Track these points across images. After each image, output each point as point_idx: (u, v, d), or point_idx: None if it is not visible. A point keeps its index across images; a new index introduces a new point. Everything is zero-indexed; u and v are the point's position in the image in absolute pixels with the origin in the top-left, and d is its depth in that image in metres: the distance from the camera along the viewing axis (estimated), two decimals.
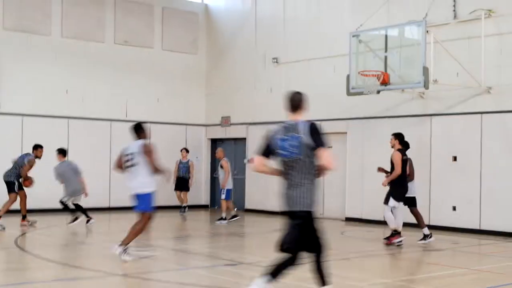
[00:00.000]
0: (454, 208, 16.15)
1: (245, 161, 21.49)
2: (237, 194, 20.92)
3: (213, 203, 23.31)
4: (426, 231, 13.56)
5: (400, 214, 13.26)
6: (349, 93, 16.38)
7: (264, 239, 14.21)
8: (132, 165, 10.64)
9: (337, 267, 10.60)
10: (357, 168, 17.84)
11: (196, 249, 12.59)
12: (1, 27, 19.38)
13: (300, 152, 6.74)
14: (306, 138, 6.73)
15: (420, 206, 16.03)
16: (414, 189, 13.83)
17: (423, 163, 16.31)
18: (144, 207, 10.62)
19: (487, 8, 15.54)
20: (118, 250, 10.42)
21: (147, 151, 10.57)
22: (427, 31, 14.93)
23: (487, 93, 15.58)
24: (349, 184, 18.45)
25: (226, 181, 17.48)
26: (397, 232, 13.17)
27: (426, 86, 14.77)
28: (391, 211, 13.10)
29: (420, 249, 12.95)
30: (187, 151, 20.42)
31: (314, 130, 6.79)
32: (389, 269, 10.89)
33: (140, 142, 10.79)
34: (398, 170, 12.92)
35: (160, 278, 9.45)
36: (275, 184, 19.24)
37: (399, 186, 13.07)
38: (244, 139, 21.91)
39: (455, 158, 16.17)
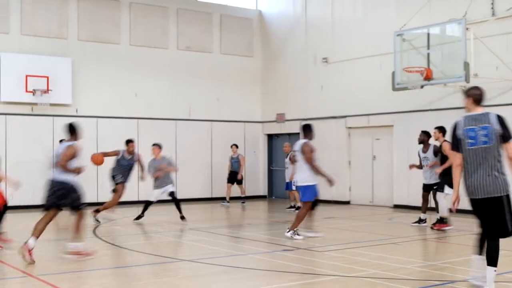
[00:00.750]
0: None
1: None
2: (283, 184, 20.98)
3: (271, 194, 23.41)
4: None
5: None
6: (394, 89, 16.26)
7: (319, 226, 14.25)
8: (296, 161, 12.06)
9: (385, 251, 10.61)
10: (403, 158, 17.66)
11: (254, 236, 12.71)
12: (76, 38, 19.88)
13: (491, 140, 6.85)
14: (497, 128, 6.86)
15: (461, 193, 15.82)
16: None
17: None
18: (306, 198, 11.79)
19: None
20: (289, 233, 11.68)
21: (305, 151, 11.69)
22: (467, 28, 14.72)
23: None
24: (396, 173, 18.31)
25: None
26: (446, 220, 13.01)
27: (467, 80, 14.56)
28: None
29: (464, 233, 12.77)
30: (237, 146, 20.41)
31: (503, 121, 6.95)
32: (434, 252, 10.80)
33: (302, 141, 11.91)
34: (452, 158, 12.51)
35: (224, 263, 9.59)
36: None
37: (446, 175, 12.68)
38: (298, 134, 21.91)
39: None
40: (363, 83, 19.39)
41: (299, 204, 17.26)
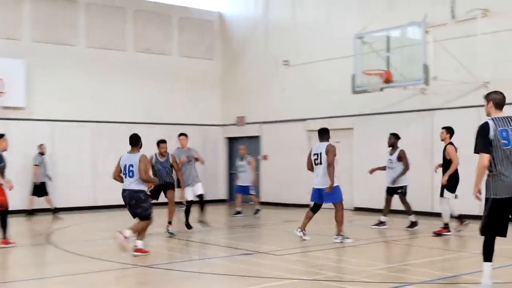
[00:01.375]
0: (455, 196, 16.06)
1: (259, 157, 21.51)
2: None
3: (231, 197, 23.36)
4: (413, 218, 13.79)
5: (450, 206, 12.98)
6: (354, 92, 16.39)
7: (278, 230, 14.25)
8: (318, 164, 11.91)
9: (345, 254, 10.66)
10: (363, 161, 17.76)
11: (214, 240, 12.64)
12: (30, 39, 19.54)
13: None
14: None
15: (424, 196, 16.02)
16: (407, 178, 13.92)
17: (426, 155, 16.28)
18: (337, 198, 11.95)
19: (483, 8, 15.45)
20: (338, 239, 11.69)
21: (330, 151, 11.89)
22: (427, 31, 14.93)
23: (484, 87, 15.46)
24: (356, 176, 18.42)
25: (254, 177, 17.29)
26: (447, 225, 12.88)
27: (426, 82, 14.77)
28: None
29: (426, 235, 12.92)
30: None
31: None
32: (395, 255, 10.89)
33: (326, 143, 12.06)
34: (456, 162, 12.49)
35: (183, 268, 9.51)
36: (288, 178, 19.19)
37: (452, 178, 12.65)
38: (258, 137, 21.96)
39: (456, 150, 16.08)
40: (324, 86, 19.49)
41: (257, 207, 17.27)
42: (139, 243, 10.44)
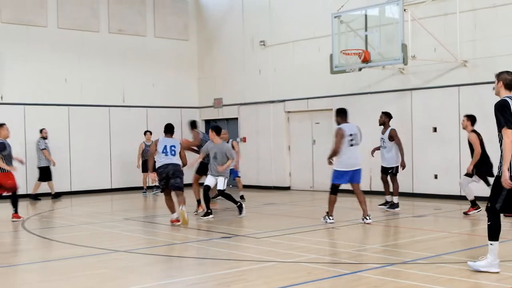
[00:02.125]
0: (435, 176, 16.27)
1: (238, 140, 21.50)
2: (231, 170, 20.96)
3: None
4: (396, 199, 13.89)
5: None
6: (332, 72, 16.41)
7: (258, 213, 14.31)
8: (355, 144, 11.91)
9: (325, 236, 10.75)
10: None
11: (194, 223, 12.67)
12: None
13: None
14: None
15: (403, 176, 16.15)
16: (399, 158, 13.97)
17: (405, 135, 16.40)
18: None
19: None
20: (368, 220, 11.82)
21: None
22: (405, 10, 14.96)
23: (463, 66, 15.64)
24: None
25: (238, 161, 16.43)
26: (476, 203, 12.95)
27: (405, 62, 14.83)
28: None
29: (407, 215, 13.06)
30: (151, 133, 19.85)
31: None
32: (374, 236, 10.98)
33: (355, 125, 12.12)
34: (478, 150, 12.44)
35: (161, 252, 9.53)
36: (267, 160, 19.18)
37: (481, 165, 12.58)
38: (236, 119, 21.96)
39: (435, 129, 16.28)
40: (302, 66, 19.51)
41: (242, 192, 17.06)
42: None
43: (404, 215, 13.14)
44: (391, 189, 14.06)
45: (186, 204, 12.37)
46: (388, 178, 14.04)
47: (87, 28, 20.79)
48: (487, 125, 15.20)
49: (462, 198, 15.49)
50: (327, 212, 12.07)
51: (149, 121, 21.54)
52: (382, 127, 14.18)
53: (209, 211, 13.32)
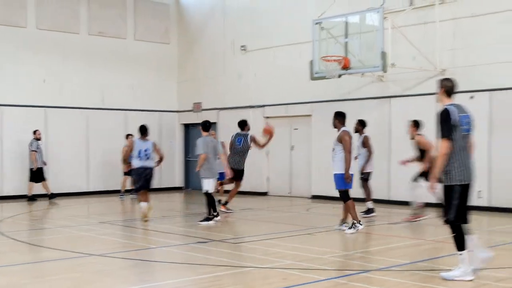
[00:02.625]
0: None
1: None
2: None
3: (187, 185, 23.32)
4: (370, 204, 14.03)
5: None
6: (312, 78, 16.48)
7: (235, 218, 14.31)
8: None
9: (302, 242, 10.77)
10: (322, 148, 17.91)
11: (170, 228, 12.63)
12: None
13: (472, 129, 7.58)
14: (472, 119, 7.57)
15: (381, 183, 16.24)
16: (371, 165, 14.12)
17: (383, 142, 16.51)
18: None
19: None
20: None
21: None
22: (385, 18, 15.06)
23: (441, 75, 15.73)
24: (314, 164, 18.59)
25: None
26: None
27: (384, 69, 14.93)
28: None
29: (383, 222, 13.13)
30: (133, 136, 19.70)
31: None
32: (350, 242, 11.03)
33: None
34: (430, 147, 12.44)
35: (136, 257, 9.49)
36: (245, 166, 19.06)
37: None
38: (215, 123, 21.92)
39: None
40: (282, 72, 19.56)
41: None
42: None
43: (381, 222, 13.21)
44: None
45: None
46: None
47: (67, 29, 20.67)
48: None
49: (440, 205, 15.60)
50: (354, 220, 11.65)
51: (128, 124, 21.44)
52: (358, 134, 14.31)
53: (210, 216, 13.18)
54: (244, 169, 15.34)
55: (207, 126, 13.49)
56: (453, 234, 7.45)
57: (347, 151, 11.37)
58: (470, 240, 7.49)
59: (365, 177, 14.14)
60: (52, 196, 18.81)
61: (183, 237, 11.63)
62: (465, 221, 7.49)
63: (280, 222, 13.72)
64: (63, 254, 9.63)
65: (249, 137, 15.20)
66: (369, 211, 13.98)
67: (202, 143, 13.16)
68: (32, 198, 18.56)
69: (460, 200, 7.37)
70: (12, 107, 19.35)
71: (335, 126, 11.79)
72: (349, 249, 10.24)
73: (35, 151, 18.51)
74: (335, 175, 11.59)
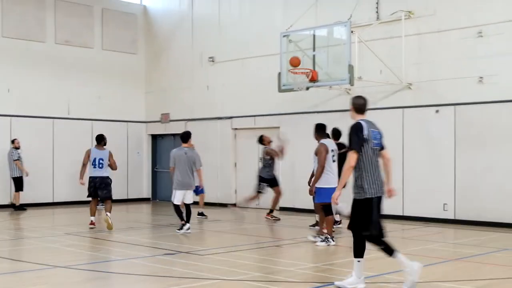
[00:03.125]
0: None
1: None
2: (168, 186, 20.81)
3: (155, 196, 23.14)
4: (337, 217, 13.99)
5: None
6: (280, 90, 16.50)
7: (202, 229, 14.23)
8: (334, 160, 11.64)
9: (269, 254, 10.73)
10: (289, 160, 17.94)
11: (136, 240, 12.50)
12: None
13: (381, 144, 7.72)
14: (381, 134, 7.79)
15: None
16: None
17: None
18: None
19: (407, 10, 15.90)
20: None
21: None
22: (352, 31, 15.17)
23: (407, 89, 15.94)
24: (282, 175, 18.55)
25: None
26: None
27: (351, 82, 15.01)
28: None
29: (349, 235, 13.11)
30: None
31: None
32: (319, 255, 11.02)
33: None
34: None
35: (102, 269, 9.36)
36: (213, 177, 18.95)
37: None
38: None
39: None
40: (250, 83, 19.57)
41: (202, 209, 16.76)
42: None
43: (348, 235, 13.19)
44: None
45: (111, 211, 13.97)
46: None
47: (32, 38, 20.41)
48: (430, 147, 15.55)
49: (405, 218, 15.74)
50: (327, 235, 11.58)
51: (94, 134, 21.14)
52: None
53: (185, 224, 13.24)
54: (276, 177, 16.33)
55: (184, 137, 13.62)
56: (382, 247, 7.60)
57: (320, 164, 11.42)
58: (397, 258, 7.61)
59: None
60: (18, 208, 18.68)
61: (150, 248, 11.51)
62: (381, 233, 7.62)
63: (248, 234, 13.67)
64: (27, 266, 9.44)
65: (263, 151, 16.33)
66: (316, 224, 14.04)
67: (172, 155, 13.37)
68: (20, 207, 18.65)
69: (374, 211, 7.50)
70: None
71: (315, 138, 11.91)
72: (316, 262, 10.22)
73: (17, 159, 18.61)
74: (316, 188, 11.56)
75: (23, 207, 18.78)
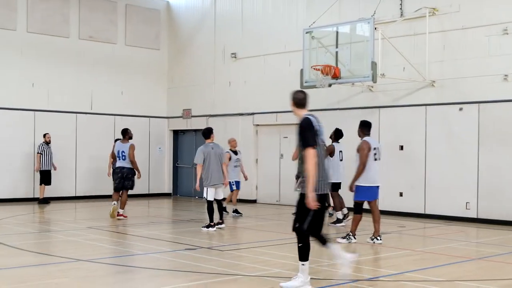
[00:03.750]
0: (401, 194, 16.37)
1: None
2: (189, 181, 20.89)
3: (176, 192, 23.22)
4: (340, 215, 14.24)
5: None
6: (302, 87, 16.39)
7: (225, 225, 14.24)
8: (378, 159, 11.44)
9: (290, 250, 10.69)
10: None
11: (158, 235, 12.54)
12: None
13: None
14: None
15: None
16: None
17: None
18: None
19: (431, 7, 15.76)
20: (379, 241, 11.39)
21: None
22: (375, 28, 15.05)
23: (430, 86, 15.81)
24: None
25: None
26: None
27: (374, 80, 14.90)
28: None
29: (370, 232, 13.08)
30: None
31: None
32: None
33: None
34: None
35: (123, 263, 9.40)
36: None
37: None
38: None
39: (401, 147, 16.39)
40: (272, 80, 19.54)
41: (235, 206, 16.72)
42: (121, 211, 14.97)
43: (369, 232, 13.16)
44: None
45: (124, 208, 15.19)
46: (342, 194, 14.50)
47: (57, 33, 20.56)
48: (453, 145, 15.42)
49: (427, 216, 15.64)
50: (350, 232, 11.57)
51: (116, 129, 21.31)
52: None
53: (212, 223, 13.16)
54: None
55: (206, 133, 13.51)
56: (300, 244, 7.34)
57: (361, 161, 11.22)
58: (332, 249, 7.54)
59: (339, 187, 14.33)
60: (42, 201, 18.91)
61: (171, 243, 11.54)
62: (318, 232, 7.41)
63: (269, 230, 13.66)
64: (49, 259, 9.52)
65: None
66: (338, 221, 14.07)
67: (200, 152, 13.27)
68: (44, 201, 18.94)
69: (316, 213, 7.22)
70: (3, 110, 19.22)
71: (359, 135, 11.74)
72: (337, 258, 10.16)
73: (40, 153, 18.94)
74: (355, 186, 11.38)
75: (46, 201, 18.99)
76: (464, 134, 15.29)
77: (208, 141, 13.45)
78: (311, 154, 7.15)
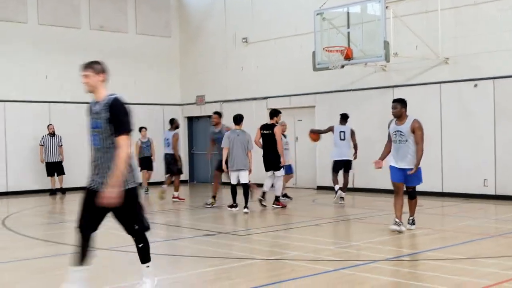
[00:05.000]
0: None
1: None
2: (205, 167, 20.89)
3: (192, 178, 23.28)
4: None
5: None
6: (315, 69, 16.40)
7: (242, 210, 14.29)
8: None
9: (308, 233, 10.73)
10: (326, 139, 17.84)
11: (176, 221, 12.61)
12: None
13: None
14: None
15: (386, 173, 16.19)
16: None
17: (386, 133, 16.38)
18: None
19: None
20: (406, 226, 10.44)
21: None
22: (387, 7, 14.97)
23: (444, 63, 15.70)
24: (319, 155, 18.54)
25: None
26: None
27: (387, 59, 14.84)
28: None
29: (386, 213, 13.08)
30: (146, 129, 19.26)
31: None
32: (358, 233, 10.98)
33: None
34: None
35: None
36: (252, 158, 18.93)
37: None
38: None
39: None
40: (284, 63, 19.49)
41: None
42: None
43: (387, 212, 13.14)
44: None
45: (178, 190, 16.36)
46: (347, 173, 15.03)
47: (68, 24, 20.61)
48: (469, 122, 15.32)
49: (445, 195, 15.59)
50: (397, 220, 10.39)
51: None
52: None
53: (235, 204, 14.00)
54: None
55: (237, 119, 14.04)
56: (140, 245, 6.74)
57: (421, 142, 10.23)
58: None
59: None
60: (61, 191, 19.14)
61: (190, 230, 11.60)
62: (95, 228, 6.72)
63: (286, 213, 13.69)
64: (67, 249, 9.58)
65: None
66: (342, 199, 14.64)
67: (226, 136, 13.84)
68: (55, 191, 19.16)
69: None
70: (15, 103, 19.32)
71: (399, 115, 10.70)
72: (356, 240, 10.18)
73: (42, 145, 19.09)
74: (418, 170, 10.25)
75: (62, 191, 19.19)
76: (480, 110, 15.19)
77: (236, 127, 13.91)
78: (126, 143, 6.09)
